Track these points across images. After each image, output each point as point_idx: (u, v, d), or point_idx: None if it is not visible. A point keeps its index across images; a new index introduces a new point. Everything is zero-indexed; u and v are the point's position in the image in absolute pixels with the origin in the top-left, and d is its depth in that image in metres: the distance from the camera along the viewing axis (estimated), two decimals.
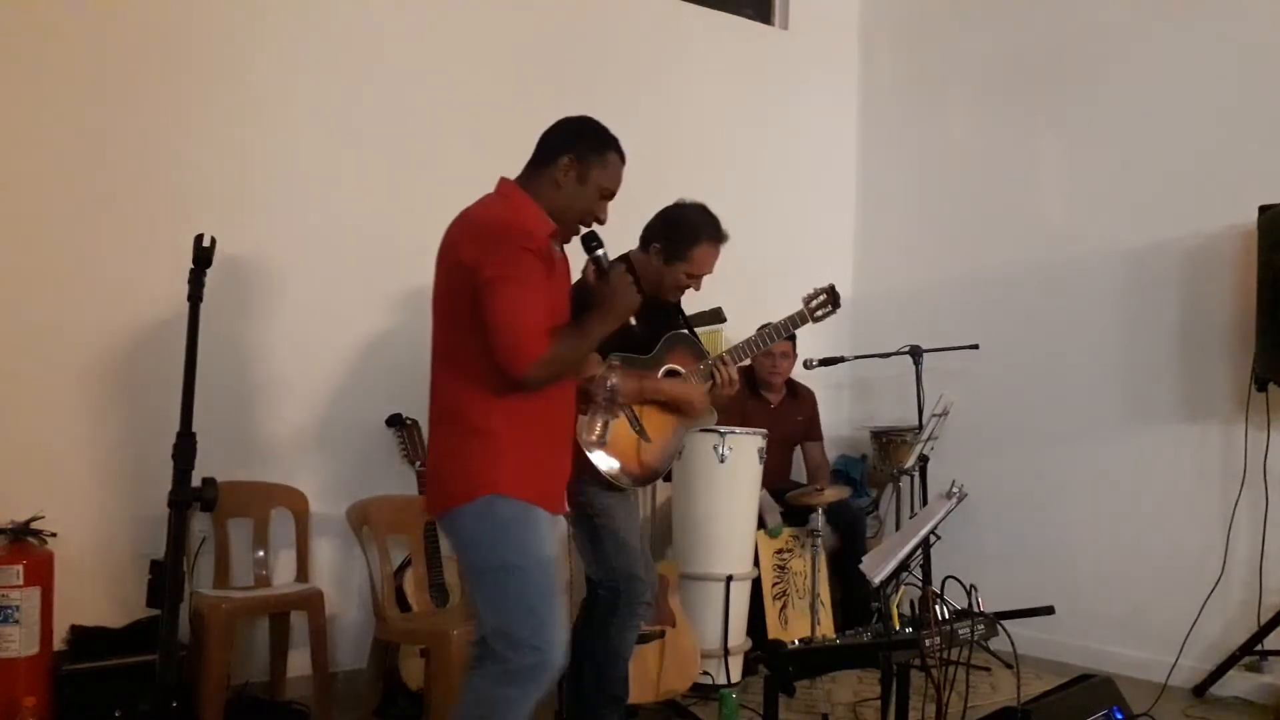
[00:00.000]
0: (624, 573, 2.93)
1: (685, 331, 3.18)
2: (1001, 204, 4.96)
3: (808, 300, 3.36)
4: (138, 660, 3.22)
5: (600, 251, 2.40)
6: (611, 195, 2.43)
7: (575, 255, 2.47)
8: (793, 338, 4.45)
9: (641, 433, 2.95)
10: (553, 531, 2.36)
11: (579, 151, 2.38)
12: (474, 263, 2.22)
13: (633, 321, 2.71)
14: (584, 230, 2.42)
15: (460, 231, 2.33)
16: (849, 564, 4.35)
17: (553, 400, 2.36)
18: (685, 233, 3.02)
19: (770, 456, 4.16)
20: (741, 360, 3.21)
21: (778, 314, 4.49)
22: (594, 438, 2.68)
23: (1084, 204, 4.63)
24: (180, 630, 2.55)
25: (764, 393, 4.71)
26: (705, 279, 3.10)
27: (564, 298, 2.44)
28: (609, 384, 2.52)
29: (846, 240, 5.66)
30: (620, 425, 2.86)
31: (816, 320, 3.37)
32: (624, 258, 3.08)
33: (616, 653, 2.99)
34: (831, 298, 3.35)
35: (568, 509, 2.57)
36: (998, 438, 4.81)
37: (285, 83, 3.86)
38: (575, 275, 2.60)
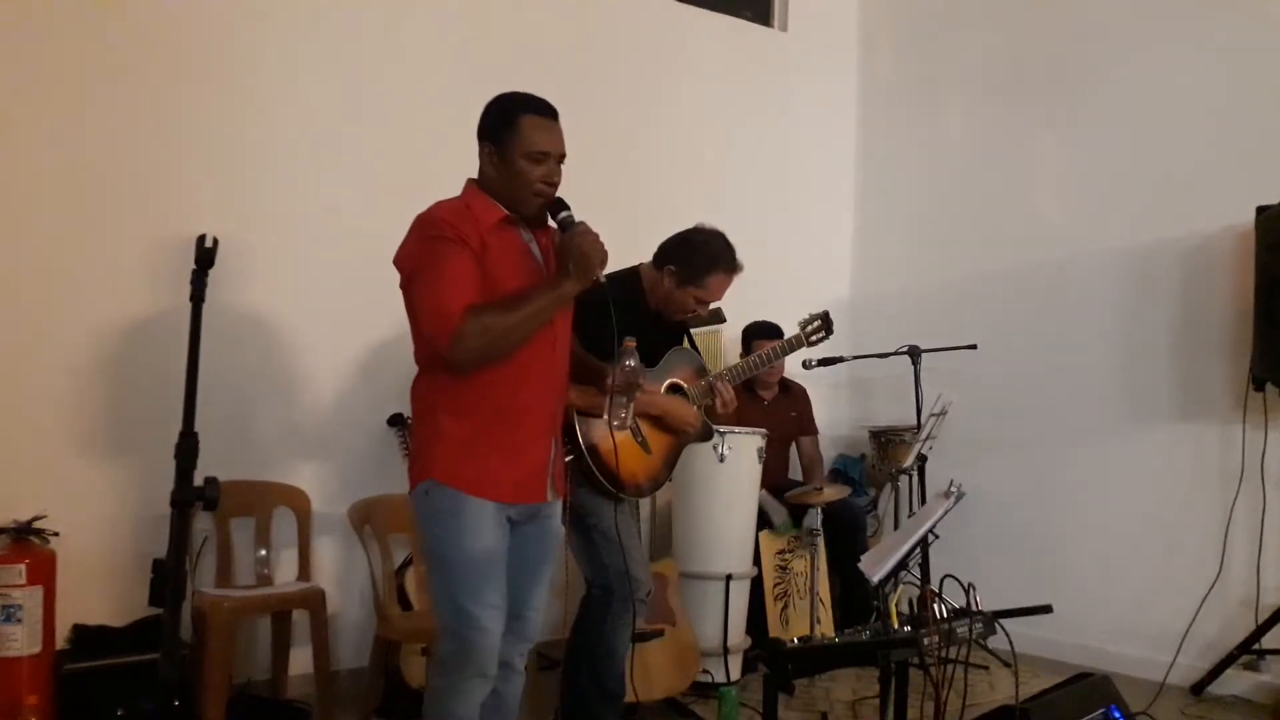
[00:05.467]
0: (616, 570, 2.95)
1: (689, 347, 3.23)
2: (1000, 205, 4.97)
3: (803, 325, 3.49)
4: (140, 659, 3.23)
5: (563, 214, 2.34)
6: (544, 156, 2.33)
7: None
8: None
9: (644, 445, 2.98)
10: (498, 523, 2.32)
11: (490, 133, 2.37)
12: (398, 265, 2.37)
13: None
14: (547, 201, 2.37)
15: None
16: (849, 563, 4.36)
17: (508, 384, 2.32)
18: (703, 260, 3.06)
19: (767, 455, 4.17)
20: (739, 379, 3.33)
21: (776, 316, 4.54)
22: (619, 421, 2.49)
23: (1082, 204, 4.64)
24: (182, 629, 2.57)
25: (758, 390, 4.73)
26: None
27: (528, 279, 2.36)
28: (627, 365, 2.40)
29: (845, 241, 5.67)
30: (624, 437, 2.85)
31: (811, 345, 3.50)
32: (635, 271, 3.11)
33: (612, 650, 3.01)
34: (825, 324, 3.48)
35: (548, 497, 2.45)
36: (996, 437, 4.83)
37: (287, 83, 3.88)
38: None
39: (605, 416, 2.49)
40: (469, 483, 2.30)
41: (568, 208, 2.36)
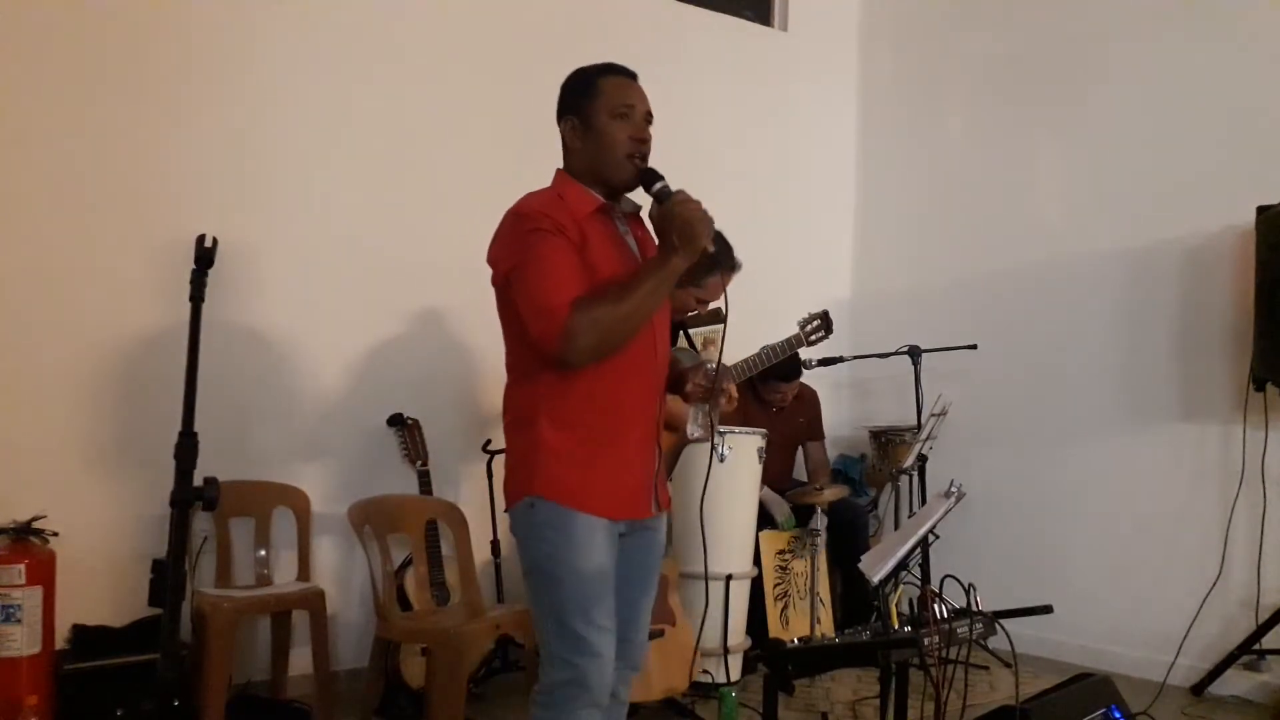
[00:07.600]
0: None
1: (688, 347, 3.23)
2: (1000, 204, 4.97)
3: (803, 324, 3.54)
4: (139, 659, 3.23)
5: (659, 185, 2.14)
6: (629, 109, 2.18)
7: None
8: (799, 372, 4.51)
9: None
10: (608, 540, 2.15)
11: (572, 105, 2.22)
12: (494, 263, 2.19)
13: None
14: (640, 163, 2.20)
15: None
16: (850, 563, 4.36)
17: (612, 390, 2.15)
18: (702, 260, 3.04)
19: (772, 457, 4.17)
20: (741, 378, 3.29)
21: (776, 316, 4.53)
22: (701, 432, 2.31)
23: (1082, 204, 4.64)
24: (182, 629, 2.56)
25: (767, 397, 4.72)
26: None
27: (626, 271, 2.20)
28: (708, 367, 2.22)
29: (845, 241, 5.67)
30: None
31: (811, 344, 3.55)
32: None
33: None
34: (825, 323, 3.53)
35: (653, 511, 2.27)
36: (996, 437, 4.83)
37: (287, 84, 3.87)
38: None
39: (688, 428, 2.30)
40: (576, 497, 2.11)
41: (662, 177, 2.16)
